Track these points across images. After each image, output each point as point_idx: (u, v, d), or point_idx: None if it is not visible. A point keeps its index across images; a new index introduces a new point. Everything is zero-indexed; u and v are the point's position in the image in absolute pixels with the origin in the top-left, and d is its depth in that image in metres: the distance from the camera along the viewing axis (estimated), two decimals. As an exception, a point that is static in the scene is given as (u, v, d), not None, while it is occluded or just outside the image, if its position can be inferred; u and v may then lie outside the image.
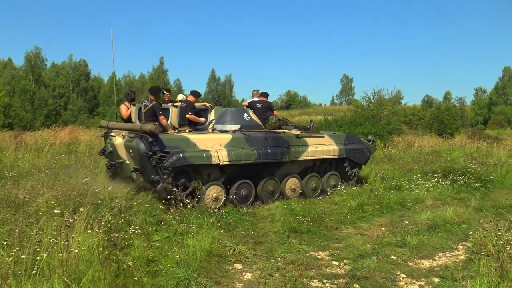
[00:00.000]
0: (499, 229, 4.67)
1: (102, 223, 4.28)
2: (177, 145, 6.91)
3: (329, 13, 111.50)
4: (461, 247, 5.12)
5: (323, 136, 8.69)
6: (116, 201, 5.72)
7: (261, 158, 7.47)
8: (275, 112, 8.90)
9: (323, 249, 5.03)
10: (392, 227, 5.90)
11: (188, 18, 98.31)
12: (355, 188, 8.30)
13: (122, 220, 5.06)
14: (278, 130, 8.42)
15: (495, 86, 59.65)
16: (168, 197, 6.43)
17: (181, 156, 6.76)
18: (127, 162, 7.29)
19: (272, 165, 7.81)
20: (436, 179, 9.28)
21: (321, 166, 8.60)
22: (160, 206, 5.98)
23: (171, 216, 5.69)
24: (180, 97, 8.92)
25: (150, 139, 6.81)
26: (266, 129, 8.28)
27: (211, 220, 5.62)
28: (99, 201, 5.51)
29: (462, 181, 9.05)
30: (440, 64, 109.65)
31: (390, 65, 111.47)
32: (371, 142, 9.58)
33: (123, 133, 7.51)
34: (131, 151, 7.10)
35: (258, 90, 9.18)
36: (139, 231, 4.80)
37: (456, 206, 6.83)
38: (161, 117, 7.31)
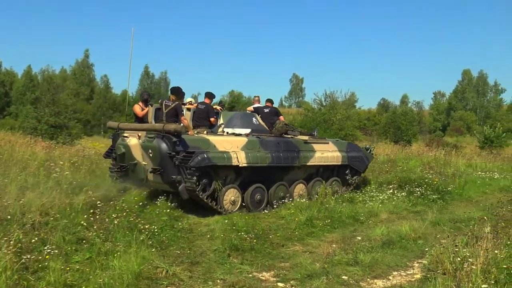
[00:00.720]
0: (456, 245, 5.19)
1: (11, 242, 4.31)
2: (199, 145, 8.43)
3: (277, 8, 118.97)
4: (416, 264, 5.67)
5: (328, 143, 10.75)
6: (29, 216, 5.77)
7: (275, 162, 9.25)
8: (281, 118, 10.78)
9: (267, 269, 5.33)
10: (344, 244, 6.49)
11: (118, 6, 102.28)
12: (304, 200, 9.01)
13: (36, 238, 5.08)
14: (286, 136, 10.04)
15: (454, 90, 66.46)
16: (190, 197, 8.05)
17: (205, 156, 8.27)
18: (144, 163, 8.60)
19: (281, 170, 9.57)
20: (391, 191, 10.33)
21: (324, 172, 10.57)
22: (82, 222, 6.14)
23: (94, 234, 5.81)
24: (188, 99, 10.24)
25: (174, 139, 8.24)
26: (273, 134, 9.93)
27: (141, 238, 5.75)
28: (8, 217, 5.53)
29: (418, 192, 10.17)
30: (398, 65, 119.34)
31: (344, 65, 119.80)
32: (368, 151, 11.69)
33: (139, 134, 8.77)
34: (150, 151, 8.42)
35: (259, 96, 11.20)
36: (56, 251, 4.82)
37: (412, 220, 7.75)
38: (183, 118, 8.94)
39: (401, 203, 9.50)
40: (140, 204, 7.69)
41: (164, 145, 8.36)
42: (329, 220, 7.81)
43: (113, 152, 9.72)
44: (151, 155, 8.60)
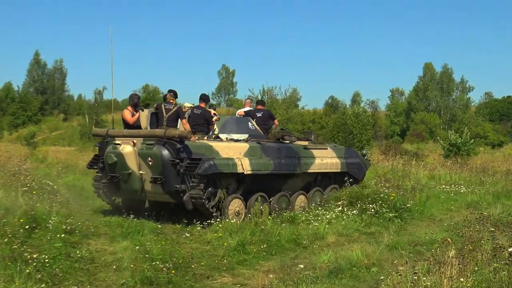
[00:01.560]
0: (416, 273, 5.45)
1: None
2: (202, 152, 9.91)
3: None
4: (369, 298, 6.06)
5: (327, 148, 12.74)
6: None
7: (277, 169, 10.94)
8: (275, 122, 12.52)
9: (189, 307, 5.49)
10: (283, 274, 6.76)
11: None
12: (234, 221, 9.32)
13: None
14: (283, 141, 11.75)
15: (415, 87, 70.33)
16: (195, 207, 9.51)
17: (212, 163, 9.70)
18: (141, 172, 10.05)
19: (281, 178, 11.32)
20: (340, 208, 10.91)
21: (322, 180, 12.40)
22: None
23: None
24: (187, 104, 11.74)
25: (178, 145, 9.74)
26: (269, 140, 11.63)
27: (27, 270, 5.69)
28: None
29: (372, 210, 10.84)
30: (349, 58, 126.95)
31: (285, 57, 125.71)
32: (365, 157, 13.53)
33: (134, 141, 10.19)
34: (150, 159, 9.90)
35: (251, 99, 12.74)
36: None
37: (364, 244, 8.21)
38: (185, 121, 10.59)
39: (351, 223, 10.05)
40: (27, 227, 7.62)
41: (166, 152, 9.79)
42: (265, 245, 8.09)
43: (99, 161, 11.03)
44: (150, 163, 9.96)
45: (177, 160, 9.74)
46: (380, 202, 11.18)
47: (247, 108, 12.95)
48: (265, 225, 8.99)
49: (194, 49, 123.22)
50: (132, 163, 10.16)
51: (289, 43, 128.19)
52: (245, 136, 11.39)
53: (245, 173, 10.27)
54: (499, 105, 71.50)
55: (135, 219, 9.76)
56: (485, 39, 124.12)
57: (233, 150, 10.41)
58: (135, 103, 11.40)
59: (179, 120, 10.90)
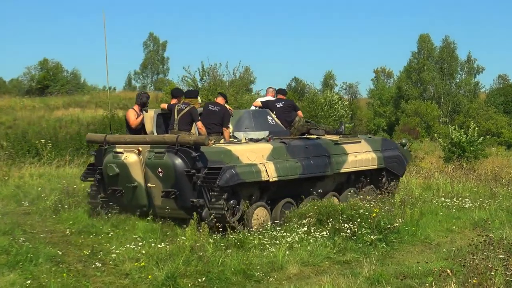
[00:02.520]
0: None
1: None
2: (220, 159, 11.26)
3: None
4: None
5: (360, 141, 14.21)
6: None
7: (306, 172, 12.37)
8: (299, 113, 13.92)
9: None
10: None
11: None
12: (163, 245, 9.32)
13: None
14: (309, 136, 13.20)
15: (406, 67, 71.33)
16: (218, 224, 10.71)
17: (234, 172, 10.99)
18: (149, 185, 11.43)
19: (310, 180, 12.67)
20: (305, 228, 10.99)
21: (356, 179, 13.91)
22: None
23: None
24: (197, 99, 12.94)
25: (194, 154, 11.01)
26: (293, 135, 13.09)
27: None
28: None
29: (348, 231, 10.96)
30: (319, 28, 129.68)
31: (233, 28, 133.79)
32: (405, 148, 15.27)
33: (140, 148, 11.55)
34: (160, 170, 11.28)
35: (274, 88, 14.47)
36: None
37: (337, 276, 8.32)
38: (200, 125, 12.12)
39: (320, 249, 10.16)
40: None
41: (179, 162, 11.09)
42: (204, 278, 8.11)
43: (96, 172, 12.44)
44: (161, 174, 11.27)
45: (193, 171, 11.01)
46: (358, 220, 11.33)
47: (264, 98, 14.38)
48: (204, 251, 9.00)
49: (113, 15, 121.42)
50: (138, 174, 11.54)
51: (239, 9, 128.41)
52: (265, 133, 12.70)
53: (270, 180, 11.65)
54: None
55: (27, 243, 9.63)
56: (498, 6, 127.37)
57: (255, 153, 11.77)
58: (143, 102, 12.90)
59: (194, 123, 12.21)
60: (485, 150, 30.66)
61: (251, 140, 12.44)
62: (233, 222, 10.96)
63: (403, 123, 59.87)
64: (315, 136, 13.17)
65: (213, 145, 11.39)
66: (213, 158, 11.15)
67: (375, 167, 14.24)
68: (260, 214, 11.62)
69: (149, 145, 11.51)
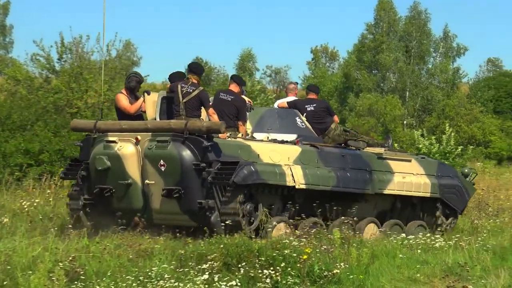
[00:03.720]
0: None
1: None
2: (237, 154, 12.79)
3: None
4: None
5: (410, 160, 15.77)
6: None
7: (341, 185, 13.93)
8: (335, 118, 15.77)
9: None
10: None
11: None
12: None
13: None
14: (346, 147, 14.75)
15: (357, 46, 72.36)
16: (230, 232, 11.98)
17: (253, 169, 12.55)
18: (147, 182, 12.81)
19: (346, 198, 14.16)
20: (207, 275, 11.04)
21: (403, 209, 15.35)
22: None
23: None
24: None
25: (205, 143, 12.47)
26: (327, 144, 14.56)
27: None
28: None
29: (268, 280, 11.03)
30: None
31: None
32: (468, 178, 16.79)
33: (138, 136, 12.94)
34: (162, 163, 12.63)
35: (296, 83, 16.45)
36: None
37: None
38: (212, 111, 13.61)
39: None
40: None
41: (187, 153, 12.49)
42: None
43: (80, 168, 13.80)
44: (163, 168, 12.63)
45: (203, 164, 12.40)
46: (283, 264, 11.45)
47: (291, 98, 16.02)
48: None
49: None
50: (134, 169, 12.87)
51: None
52: (292, 136, 14.21)
53: (296, 186, 13.15)
54: (503, 79, 76.39)
55: None
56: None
57: (279, 153, 13.33)
58: (134, 86, 14.56)
59: (203, 108, 13.70)
60: (466, 165, 31.29)
61: (273, 140, 14.03)
62: (250, 232, 12.38)
63: (351, 126, 60.49)
64: (353, 147, 14.78)
65: (228, 138, 13.03)
66: (228, 152, 12.60)
67: (428, 195, 15.64)
68: (281, 231, 12.98)
69: (150, 133, 12.83)
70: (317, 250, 12.47)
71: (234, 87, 14.52)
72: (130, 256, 12.51)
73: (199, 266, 11.54)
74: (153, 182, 12.47)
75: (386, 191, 14.63)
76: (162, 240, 13.63)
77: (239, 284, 10.97)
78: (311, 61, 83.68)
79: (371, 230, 14.32)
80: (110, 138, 12.93)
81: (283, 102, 16.04)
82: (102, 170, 12.71)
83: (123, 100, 14.15)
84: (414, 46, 68.98)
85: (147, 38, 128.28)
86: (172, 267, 11.91)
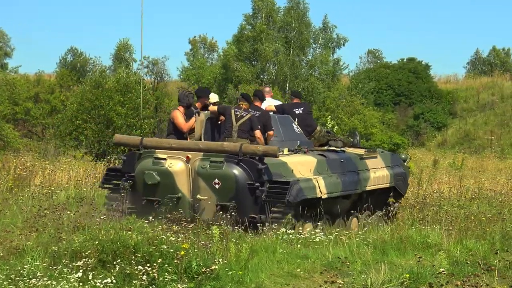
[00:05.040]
0: None
1: None
2: (280, 172, 15.11)
3: None
4: None
5: (377, 156, 18.64)
6: None
7: (344, 189, 16.50)
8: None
9: None
10: None
11: None
12: None
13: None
14: (335, 149, 17.14)
15: (237, 36, 72.14)
16: None
17: (299, 187, 14.73)
18: (200, 197, 14.97)
19: (337, 199, 16.42)
20: (80, 273, 10.99)
21: (367, 200, 17.48)
22: None
23: None
24: (214, 98, 17.39)
25: (260, 166, 14.72)
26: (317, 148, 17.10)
27: None
28: None
29: (145, 277, 11.03)
30: None
31: None
32: (406, 162, 19.74)
33: (189, 155, 15.00)
34: (217, 181, 14.81)
35: (270, 87, 19.20)
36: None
37: None
38: (259, 133, 16.07)
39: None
40: None
41: (242, 173, 14.73)
42: None
43: (123, 180, 15.59)
44: (217, 186, 14.78)
45: (257, 184, 14.64)
46: (160, 261, 11.48)
47: (276, 102, 18.46)
48: None
49: None
50: (184, 184, 14.90)
51: None
52: (294, 143, 16.38)
53: (322, 197, 15.48)
54: (393, 75, 77.47)
55: None
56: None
57: (304, 167, 15.52)
58: (190, 103, 16.62)
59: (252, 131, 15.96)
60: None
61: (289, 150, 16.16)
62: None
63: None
64: (338, 149, 16.98)
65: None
66: (275, 171, 14.73)
67: (388, 185, 18.43)
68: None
69: (202, 153, 14.81)
70: (195, 246, 12.48)
71: (257, 103, 16.52)
72: (1, 254, 12.34)
73: (73, 264, 11.44)
74: (206, 197, 14.58)
75: (367, 188, 17.22)
76: (34, 237, 13.52)
77: (114, 281, 10.95)
78: (190, 52, 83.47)
79: (355, 225, 16.51)
80: (160, 155, 14.87)
81: (270, 105, 17.67)
82: (152, 184, 14.65)
83: (180, 117, 16.16)
84: (293, 36, 69.21)
85: (19, 27, 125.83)
86: (45, 264, 11.80)
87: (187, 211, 14.57)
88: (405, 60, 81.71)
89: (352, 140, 18.89)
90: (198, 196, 14.54)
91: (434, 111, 73.94)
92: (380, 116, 64.56)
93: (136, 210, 14.83)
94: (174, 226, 14.08)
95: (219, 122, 17.13)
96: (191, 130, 16.91)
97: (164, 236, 12.41)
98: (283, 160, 14.86)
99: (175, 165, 14.52)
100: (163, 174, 14.54)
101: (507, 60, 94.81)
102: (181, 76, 79.01)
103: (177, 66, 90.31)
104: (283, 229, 14.69)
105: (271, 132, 15.94)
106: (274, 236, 15.28)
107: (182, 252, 11.73)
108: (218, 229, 14.49)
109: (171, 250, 11.71)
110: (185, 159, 14.56)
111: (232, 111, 15.87)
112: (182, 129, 16.10)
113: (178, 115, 16.23)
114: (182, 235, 12.98)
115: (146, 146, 15.19)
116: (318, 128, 17.56)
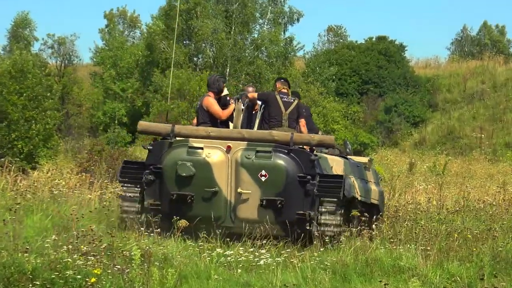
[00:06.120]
0: None
1: None
2: (324, 166, 16.59)
3: None
4: None
5: (369, 170, 20.07)
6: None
7: (362, 194, 17.83)
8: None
9: None
10: None
11: None
12: None
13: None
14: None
15: (165, 8, 72.09)
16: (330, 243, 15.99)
17: (350, 183, 16.55)
18: (243, 191, 16.29)
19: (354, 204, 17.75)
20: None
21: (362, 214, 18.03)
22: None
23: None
24: (225, 91, 18.40)
25: (313, 157, 16.16)
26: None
27: None
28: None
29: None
30: None
31: None
32: (368, 167, 20.77)
33: (230, 144, 16.35)
34: (264, 173, 16.15)
35: (254, 87, 19.80)
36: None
37: None
38: (304, 123, 18.05)
39: None
40: None
41: (293, 165, 15.93)
42: None
43: (148, 173, 16.65)
44: (263, 179, 16.00)
45: (309, 177, 15.83)
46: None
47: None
48: None
49: None
50: (222, 177, 16.07)
51: None
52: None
53: (359, 198, 17.16)
54: (359, 58, 77.76)
55: None
56: None
57: (338, 165, 17.11)
58: (221, 89, 17.73)
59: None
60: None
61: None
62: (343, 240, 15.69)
63: (157, 111, 60.31)
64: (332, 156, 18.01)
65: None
66: (323, 165, 16.13)
67: (376, 202, 19.35)
68: None
69: (245, 142, 16.05)
70: (109, 271, 12.44)
71: (286, 89, 17.79)
72: None
73: None
74: (250, 191, 15.63)
75: (372, 201, 18.37)
76: None
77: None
78: (105, 29, 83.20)
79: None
80: (195, 144, 15.91)
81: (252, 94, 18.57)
82: (185, 177, 15.61)
83: (215, 104, 17.17)
84: (236, 10, 68.82)
85: None
86: None
87: (222, 208, 15.84)
88: (374, 39, 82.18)
89: (348, 150, 20.25)
90: (240, 189, 15.67)
91: (410, 102, 74.08)
92: (344, 109, 64.99)
93: (162, 207, 16.11)
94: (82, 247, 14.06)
95: (254, 112, 18.39)
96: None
97: (69, 259, 12.36)
98: (322, 154, 16.23)
99: (214, 155, 15.71)
100: (200, 165, 15.66)
101: (500, 40, 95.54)
102: (94, 59, 78.84)
103: (90, 46, 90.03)
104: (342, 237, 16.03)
105: (303, 121, 17.38)
106: (209, 258, 15.33)
107: (93, 279, 11.72)
108: (139, 251, 14.51)
109: (79, 277, 11.68)
110: (225, 148, 15.71)
111: (278, 97, 17.09)
112: (221, 116, 17.22)
113: (213, 102, 17.23)
114: (92, 257, 12.92)
115: (179, 135, 16.14)
116: (320, 133, 18.90)
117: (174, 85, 61.17)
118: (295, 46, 73.81)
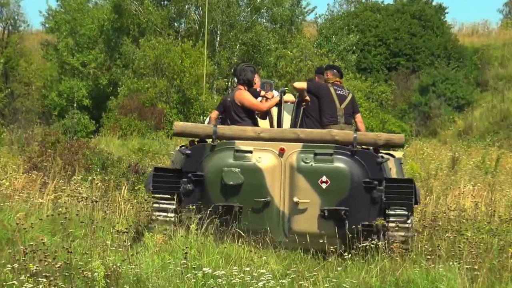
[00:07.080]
0: None
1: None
2: (387, 169, 17.62)
3: None
4: None
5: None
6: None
7: None
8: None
9: None
10: None
11: None
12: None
13: None
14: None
15: None
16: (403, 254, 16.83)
17: (418, 189, 18.33)
18: (300, 200, 17.13)
19: None
20: None
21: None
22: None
23: None
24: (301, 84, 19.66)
25: (381, 159, 17.26)
26: None
27: None
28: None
29: None
30: None
31: None
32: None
33: (283, 147, 17.09)
34: (325, 179, 16.98)
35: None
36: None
37: None
38: (359, 116, 19.61)
39: None
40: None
41: (358, 169, 16.80)
42: None
43: (186, 182, 17.37)
44: (325, 186, 16.79)
45: (376, 182, 16.72)
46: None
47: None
48: None
49: None
50: (275, 185, 16.82)
51: None
52: None
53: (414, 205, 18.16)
54: (386, 23, 78.07)
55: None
56: None
57: (393, 166, 17.87)
58: (249, 80, 18.53)
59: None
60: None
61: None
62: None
63: (127, 91, 60.61)
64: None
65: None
66: (387, 167, 17.13)
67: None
68: None
69: (300, 144, 16.71)
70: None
71: (338, 80, 18.80)
72: None
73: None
74: (308, 200, 16.31)
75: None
76: None
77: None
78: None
79: None
80: (243, 147, 16.52)
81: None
82: (232, 186, 16.28)
83: (250, 97, 17.96)
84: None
85: None
86: None
87: (273, 219, 16.46)
88: (405, 0, 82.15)
89: None
90: (296, 198, 16.29)
91: (452, 80, 73.49)
92: (367, 89, 64.89)
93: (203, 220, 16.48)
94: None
95: (303, 106, 19.06)
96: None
97: (15, 282, 12.42)
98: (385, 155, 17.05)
99: (265, 159, 16.34)
100: (250, 171, 16.24)
101: None
102: (47, 25, 78.93)
103: (40, 9, 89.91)
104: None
105: (359, 116, 18.67)
106: (194, 280, 15.31)
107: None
108: (103, 270, 14.54)
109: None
110: (278, 151, 16.33)
111: (332, 89, 17.94)
112: (261, 109, 18.18)
113: (247, 95, 17.89)
114: (44, 279, 12.97)
115: (222, 136, 16.74)
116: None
117: (149, 57, 61.15)
118: (304, 8, 74.09)
